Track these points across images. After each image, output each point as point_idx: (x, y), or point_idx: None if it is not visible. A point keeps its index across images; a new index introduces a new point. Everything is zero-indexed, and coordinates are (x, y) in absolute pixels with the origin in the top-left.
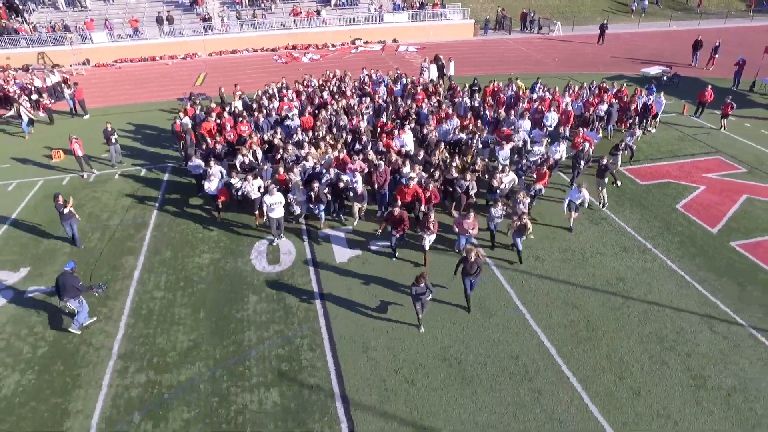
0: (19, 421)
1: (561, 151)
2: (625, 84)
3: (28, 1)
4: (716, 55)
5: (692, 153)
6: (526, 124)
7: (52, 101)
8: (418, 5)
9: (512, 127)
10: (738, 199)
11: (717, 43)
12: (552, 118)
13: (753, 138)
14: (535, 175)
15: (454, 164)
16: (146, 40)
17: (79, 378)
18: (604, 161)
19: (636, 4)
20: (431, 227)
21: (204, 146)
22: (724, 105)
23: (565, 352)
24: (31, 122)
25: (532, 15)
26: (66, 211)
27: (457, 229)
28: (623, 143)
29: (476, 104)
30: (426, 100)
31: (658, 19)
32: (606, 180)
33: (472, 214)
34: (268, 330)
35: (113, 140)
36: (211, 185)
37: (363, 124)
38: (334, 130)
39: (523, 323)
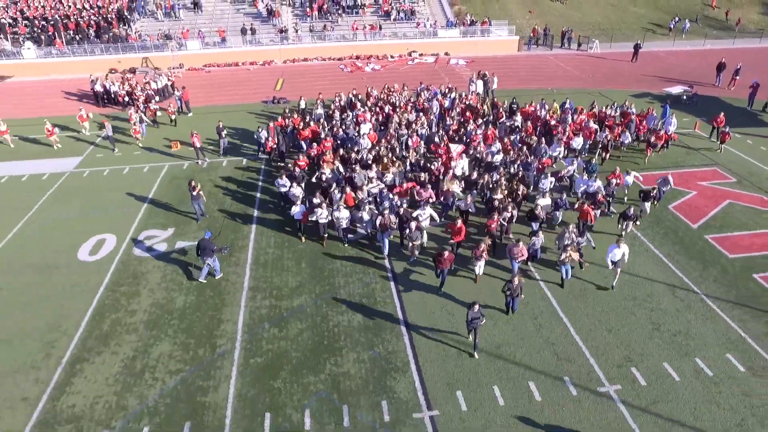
0: (191, 323)
1: (597, 186)
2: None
3: (134, 12)
4: (737, 77)
5: (693, 164)
6: (559, 149)
7: (158, 99)
8: (468, 23)
9: (556, 157)
10: (721, 202)
11: (738, 66)
12: (578, 143)
13: (750, 153)
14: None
15: (499, 190)
16: (231, 48)
17: (225, 300)
18: (632, 211)
19: (674, 23)
20: (482, 255)
21: (289, 166)
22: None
23: (565, 304)
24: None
25: (569, 33)
26: (195, 193)
27: (508, 255)
28: (655, 190)
29: (516, 125)
30: (472, 121)
31: (694, 38)
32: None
33: (521, 243)
34: (351, 277)
35: (223, 135)
36: (294, 210)
37: (421, 147)
38: (394, 143)
39: (534, 285)
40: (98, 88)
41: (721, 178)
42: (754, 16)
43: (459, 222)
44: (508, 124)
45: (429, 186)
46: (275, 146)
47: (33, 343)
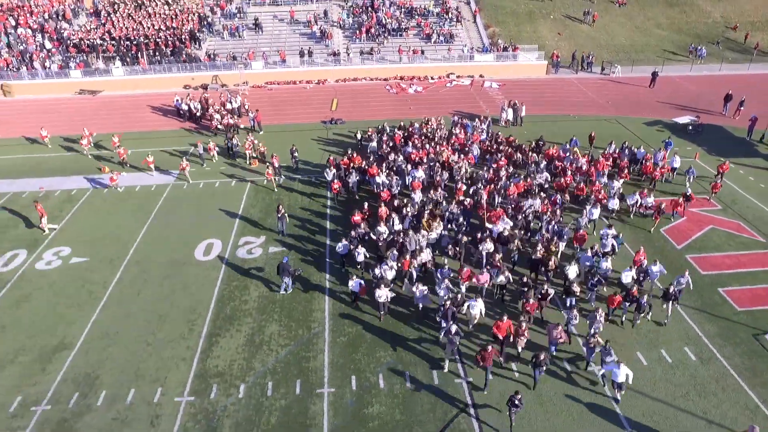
0: (290, 310)
1: (631, 275)
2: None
3: (202, 32)
4: (742, 107)
5: (680, 189)
6: (594, 212)
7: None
8: (502, 48)
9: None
10: (705, 227)
11: (743, 98)
12: (596, 214)
13: (738, 182)
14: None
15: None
16: (289, 68)
17: (312, 294)
18: (672, 288)
19: (692, 47)
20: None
21: (354, 233)
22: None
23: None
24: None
25: (590, 57)
26: (280, 215)
27: (548, 337)
28: (673, 288)
29: (541, 165)
30: (506, 167)
31: (713, 61)
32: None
33: (560, 325)
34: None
35: (295, 155)
36: (353, 284)
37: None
38: (440, 193)
39: None
40: (184, 107)
41: (709, 205)
42: None
43: (505, 319)
44: (539, 180)
45: (486, 269)
46: (340, 188)
47: (180, 321)
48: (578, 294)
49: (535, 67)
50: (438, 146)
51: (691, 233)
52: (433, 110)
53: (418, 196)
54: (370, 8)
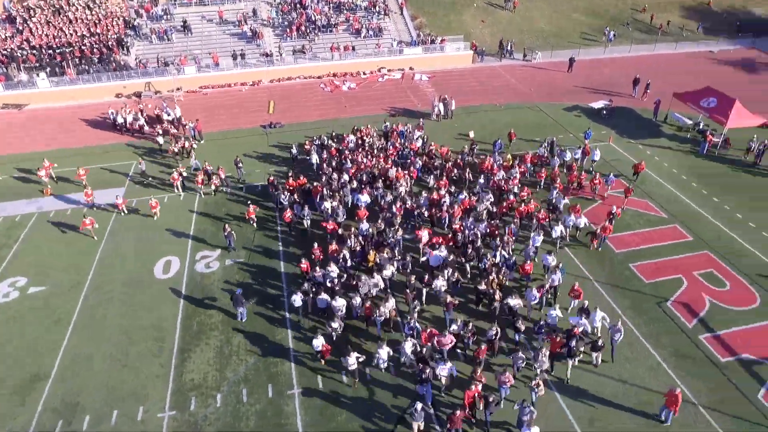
0: (254, 322)
1: (585, 324)
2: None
3: (129, 36)
4: (648, 90)
5: (602, 174)
6: (538, 239)
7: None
8: (430, 41)
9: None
10: (611, 174)
11: (649, 81)
12: (539, 240)
13: (646, 163)
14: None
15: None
16: (223, 71)
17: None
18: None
19: (608, 29)
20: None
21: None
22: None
23: None
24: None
25: (510, 44)
26: (226, 234)
27: (498, 384)
28: (601, 340)
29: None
30: (446, 187)
31: (623, 42)
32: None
33: (507, 371)
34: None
35: (240, 166)
36: (316, 342)
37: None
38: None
39: None
40: (120, 120)
41: (621, 186)
42: (675, 18)
43: (473, 387)
44: (485, 204)
45: (449, 333)
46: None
47: (150, 340)
48: (523, 331)
49: (461, 57)
50: (375, 158)
51: (605, 215)
52: (367, 106)
53: (364, 226)
54: (298, 5)
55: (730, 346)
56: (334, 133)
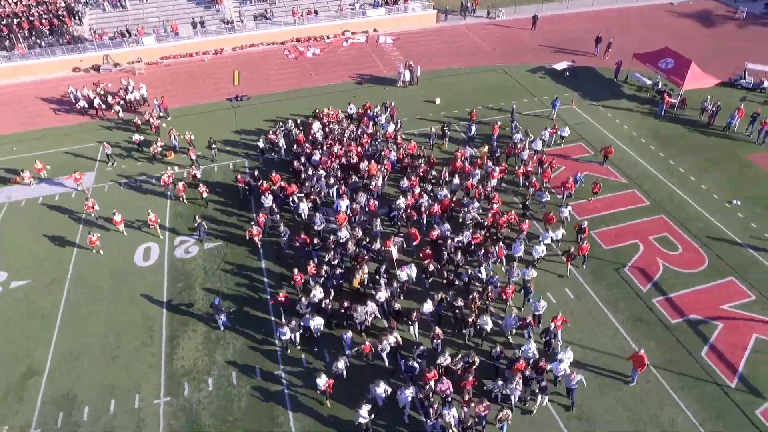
0: (238, 305)
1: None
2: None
3: (79, 3)
4: (610, 49)
5: (565, 141)
6: (520, 248)
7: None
8: (393, 1)
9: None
10: (578, 173)
11: (610, 40)
12: (559, 235)
13: (606, 124)
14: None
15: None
16: (183, 40)
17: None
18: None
19: None
20: None
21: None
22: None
23: None
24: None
25: (468, 2)
26: (196, 225)
27: (476, 415)
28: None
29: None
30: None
31: None
32: None
33: (485, 401)
34: None
35: (214, 146)
36: (320, 381)
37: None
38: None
39: None
40: (82, 102)
41: (583, 152)
42: None
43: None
44: (472, 213)
45: (446, 380)
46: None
47: (138, 331)
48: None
49: (425, 17)
50: (345, 147)
51: (569, 184)
52: (333, 73)
53: (343, 233)
54: None
55: (679, 307)
56: (299, 121)
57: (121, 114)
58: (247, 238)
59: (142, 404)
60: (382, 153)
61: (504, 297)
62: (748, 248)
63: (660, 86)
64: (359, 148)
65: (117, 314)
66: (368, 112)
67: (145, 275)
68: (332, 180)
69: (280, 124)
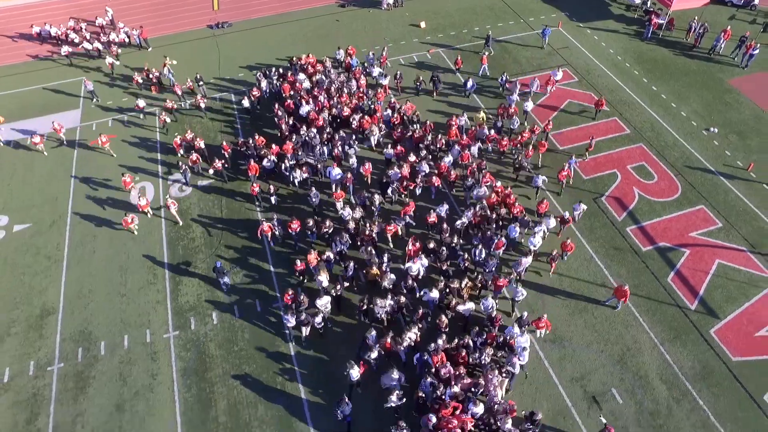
0: (234, 239)
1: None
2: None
3: None
4: None
5: (550, 66)
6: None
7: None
8: None
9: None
10: (563, 102)
11: None
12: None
13: (592, 50)
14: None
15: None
16: None
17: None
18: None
19: None
20: None
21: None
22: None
23: None
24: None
25: None
26: (182, 171)
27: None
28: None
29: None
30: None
31: None
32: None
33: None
34: None
35: (201, 82)
36: (353, 372)
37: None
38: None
39: None
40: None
41: (568, 78)
42: None
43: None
44: (478, 193)
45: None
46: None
47: (142, 269)
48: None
49: None
50: (336, 98)
51: (553, 111)
52: None
53: (347, 212)
54: None
55: (651, 235)
56: (281, 70)
57: (116, 63)
58: (260, 236)
59: (153, 338)
60: (374, 108)
61: (494, 287)
62: (720, 176)
63: (648, 5)
64: (353, 100)
65: (120, 254)
66: (353, 59)
67: (142, 215)
68: (325, 136)
69: (258, 77)
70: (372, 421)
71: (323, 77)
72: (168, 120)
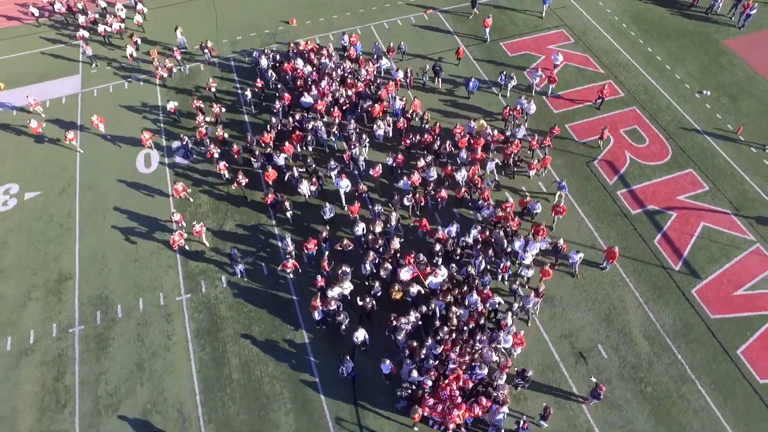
0: (242, 204)
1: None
2: None
3: None
4: None
5: (547, 28)
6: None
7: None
8: None
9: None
10: (560, 65)
11: None
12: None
13: (591, 11)
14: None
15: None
16: None
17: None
18: None
19: None
20: None
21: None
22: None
23: None
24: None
25: None
26: (183, 143)
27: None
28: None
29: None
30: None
31: None
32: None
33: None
34: None
35: (206, 50)
36: (384, 366)
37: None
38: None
39: None
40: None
41: (564, 39)
42: None
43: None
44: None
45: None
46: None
47: (152, 234)
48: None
49: None
50: (342, 84)
51: (550, 72)
52: None
53: (360, 228)
54: None
55: (640, 199)
56: (278, 57)
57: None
58: (280, 270)
59: (167, 301)
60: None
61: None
62: (709, 140)
63: None
64: (359, 84)
65: (129, 220)
66: (356, 45)
67: (149, 182)
68: (335, 129)
69: (255, 57)
70: (376, 378)
71: (327, 62)
72: (165, 75)
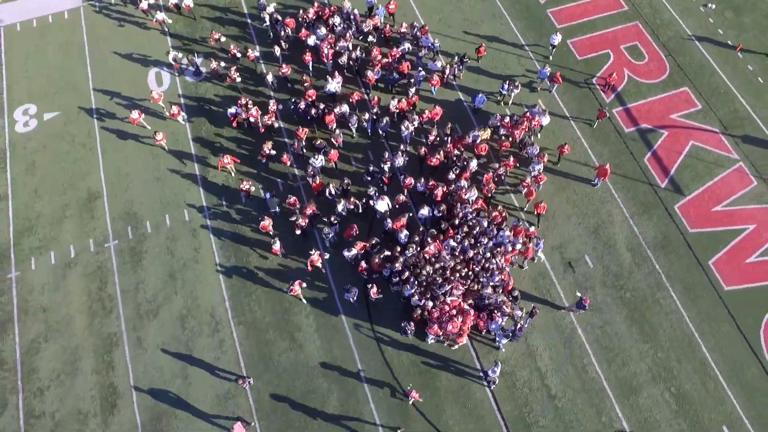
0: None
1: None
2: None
3: None
4: None
5: None
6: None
7: None
8: None
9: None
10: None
11: None
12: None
13: None
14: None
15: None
16: None
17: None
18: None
19: None
20: None
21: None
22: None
23: None
24: None
25: None
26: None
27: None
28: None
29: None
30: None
31: None
32: None
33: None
34: None
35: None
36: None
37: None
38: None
39: None
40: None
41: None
42: None
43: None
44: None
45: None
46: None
47: (172, 155)
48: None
49: None
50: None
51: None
52: None
53: (404, 234)
54: None
55: (634, 117)
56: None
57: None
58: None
59: (191, 216)
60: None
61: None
62: (708, 57)
63: None
64: (384, 59)
65: (148, 139)
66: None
67: (163, 101)
68: (366, 115)
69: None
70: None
71: (339, 20)
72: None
